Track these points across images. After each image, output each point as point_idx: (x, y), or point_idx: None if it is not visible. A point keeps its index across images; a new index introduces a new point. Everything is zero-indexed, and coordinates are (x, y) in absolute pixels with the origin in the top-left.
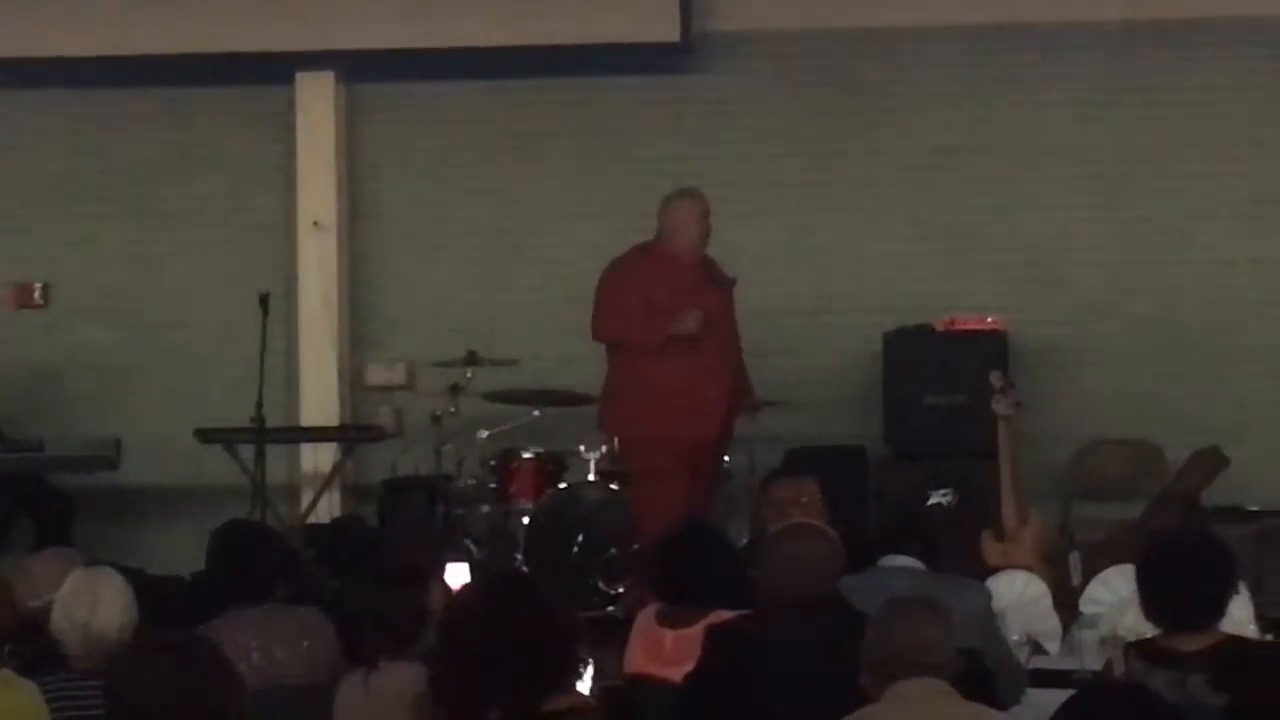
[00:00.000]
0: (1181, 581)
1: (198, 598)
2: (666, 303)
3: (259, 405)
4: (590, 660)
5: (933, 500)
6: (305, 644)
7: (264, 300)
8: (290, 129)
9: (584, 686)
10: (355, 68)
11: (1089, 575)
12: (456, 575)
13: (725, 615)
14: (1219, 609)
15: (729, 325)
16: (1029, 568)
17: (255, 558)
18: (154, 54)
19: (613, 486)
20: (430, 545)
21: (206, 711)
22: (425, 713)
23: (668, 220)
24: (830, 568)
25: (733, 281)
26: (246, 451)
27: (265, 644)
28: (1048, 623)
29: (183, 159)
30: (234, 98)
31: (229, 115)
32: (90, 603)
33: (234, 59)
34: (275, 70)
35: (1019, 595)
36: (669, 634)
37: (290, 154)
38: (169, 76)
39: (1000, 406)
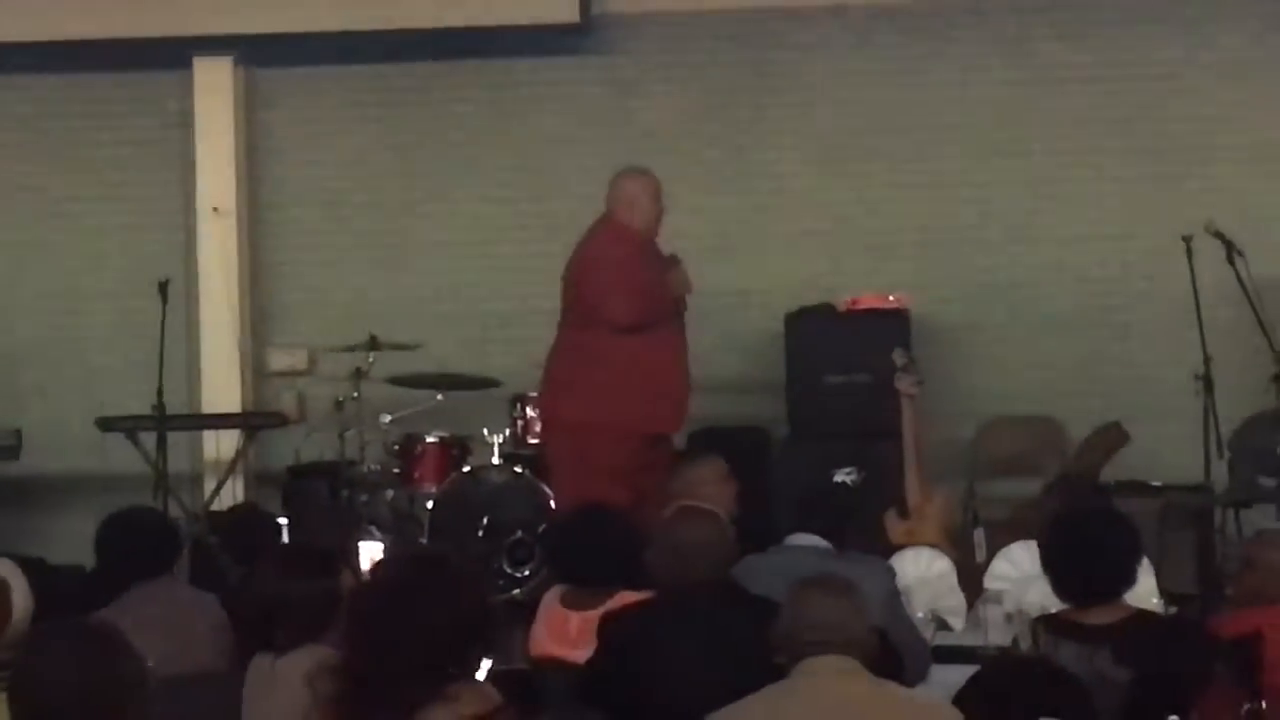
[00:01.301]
0: (1087, 557)
1: (97, 586)
2: (649, 274)
3: (159, 393)
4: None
5: (837, 479)
6: (197, 630)
7: (163, 287)
8: (189, 114)
9: (480, 675)
10: (253, 52)
11: (993, 551)
12: (370, 554)
13: (629, 596)
14: (1125, 582)
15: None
16: (933, 545)
17: (145, 541)
18: (51, 40)
19: (517, 470)
20: (339, 530)
21: (108, 697)
22: (319, 689)
23: (624, 196)
24: (720, 551)
25: (676, 260)
26: (149, 439)
27: (154, 630)
28: (952, 599)
29: (81, 146)
30: (132, 83)
31: (127, 101)
32: None
33: (131, 44)
34: (173, 55)
35: (923, 572)
36: (573, 616)
37: (189, 140)
38: (66, 63)
39: (903, 385)
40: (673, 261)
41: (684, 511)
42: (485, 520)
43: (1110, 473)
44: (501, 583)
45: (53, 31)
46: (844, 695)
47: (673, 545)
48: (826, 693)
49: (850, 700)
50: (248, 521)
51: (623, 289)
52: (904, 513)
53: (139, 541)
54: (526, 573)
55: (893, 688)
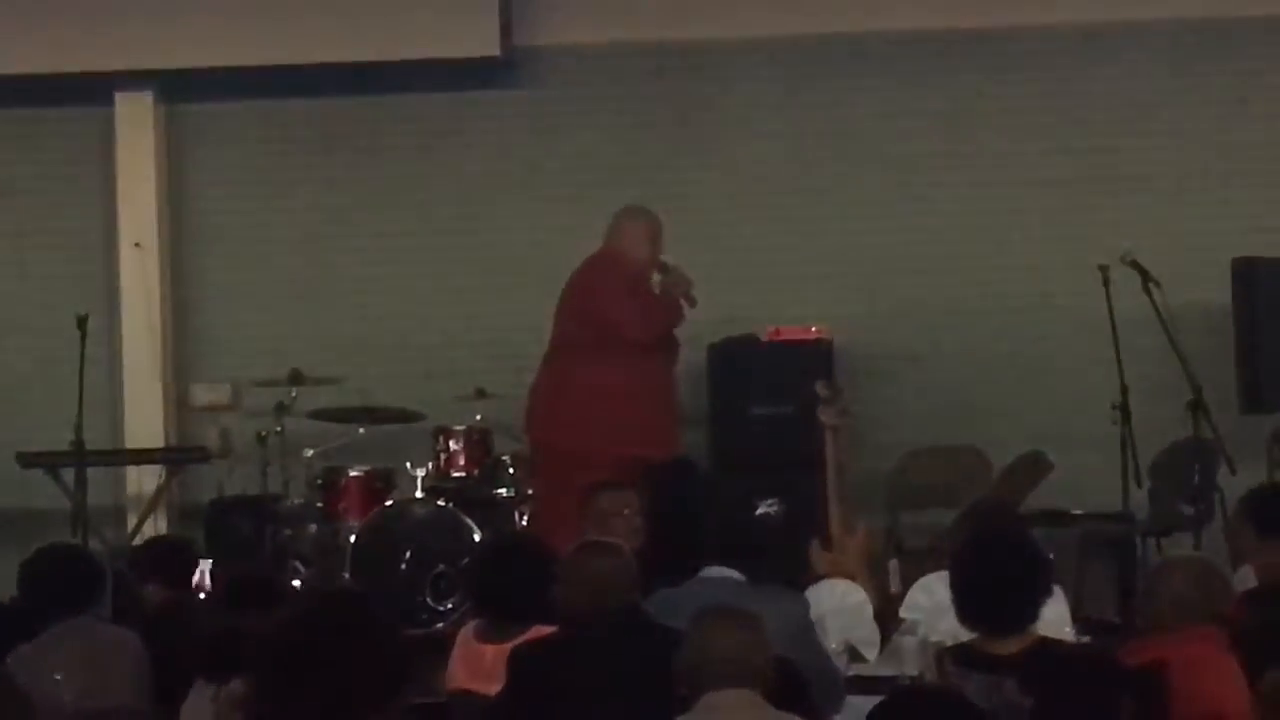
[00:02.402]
0: (993, 586)
1: (18, 621)
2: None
3: (78, 428)
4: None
5: (760, 510)
6: (117, 667)
7: (82, 322)
8: (110, 150)
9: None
10: (175, 87)
11: (912, 582)
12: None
13: (544, 631)
14: (1031, 613)
15: None
16: (855, 576)
17: (68, 577)
18: None
19: (440, 503)
20: (264, 564)
21: None
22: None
23: (623, 233)
24: (624, 582)
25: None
26: (69, 475)
27: (75, 666)
28: (865, 630)
29: (3, 180)
30: (53, 118)
31: (48, 136)
32: None
33: (52, 79)
34: (94, 91)
35: (838, 603)
36: (489, 649)
37: (110, 175)
38: None
39: (827, 416)
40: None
41: (588, 545)
42: (408, 553)
43: (1031, 501)
44: (425, 616)
45: None
46: None
47: (576, 579)
48: None
49: None
50: (171, 550)
51: (639, 306)
52: (828, 544)
53: (62, 577)
54: (449, 606)
55: None
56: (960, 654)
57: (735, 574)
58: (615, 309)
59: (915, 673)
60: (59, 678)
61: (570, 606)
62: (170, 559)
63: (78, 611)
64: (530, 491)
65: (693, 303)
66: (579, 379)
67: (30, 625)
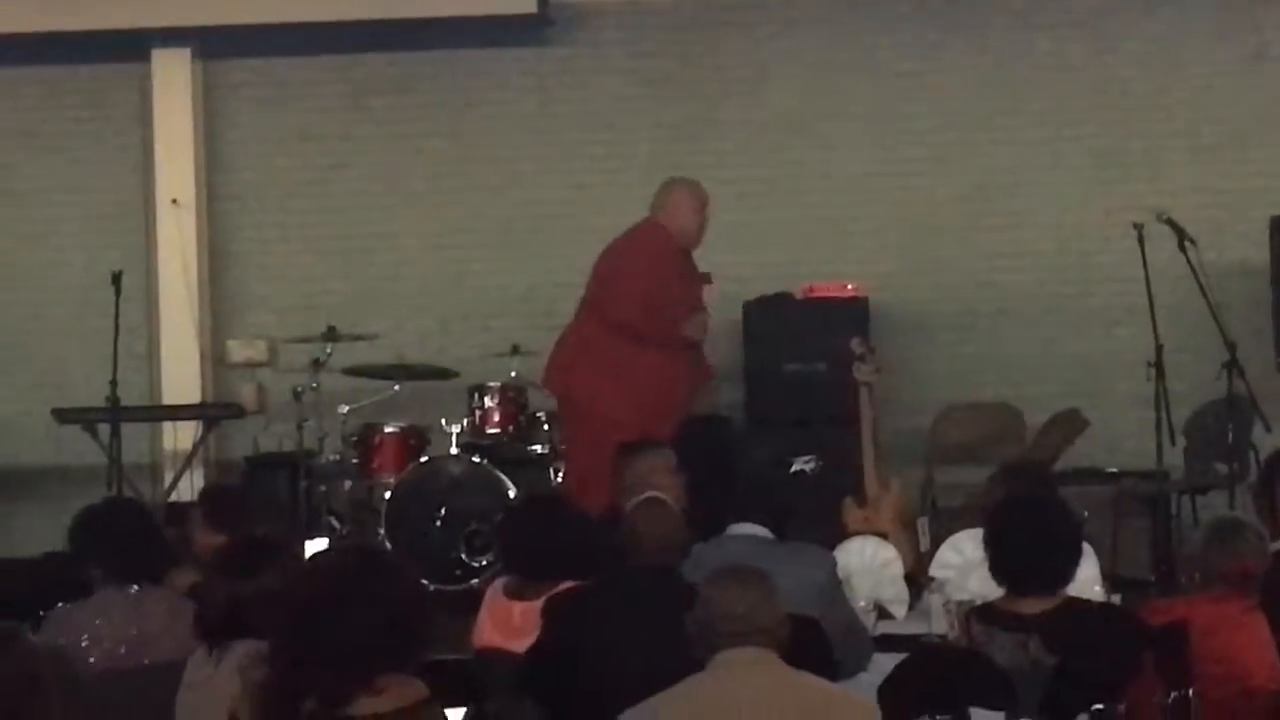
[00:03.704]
0: (1026, 546)
1: (52, 578)
2: (673, 291)
3: (114, 384)
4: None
5: (795, 468)
6: (180, 629)
7: (116, 279)
8: (147, 107)
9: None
10: (212, 44)
11: (944, 540)
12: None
13: (576, 586)
14: (1063, 574)
15: None
16: (889, 533)
17: (134, 540)
18: (9, 33)
19: (475, 460)
20: (292, 521)
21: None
22: (248, 680)
23: (669, 205)
24: (677, 541)
25: (707, 276)
26: (106, 431)
27: (127, 626)
28: (894, 588)
29: (39, 138)
30: (90, 75)
31: (85, 93)
32: None
33: (90, 37)
34: (132, 48)
35: (866, 561)
36: (517, 606)
37: (147, 132)
38: (24, 55)
39: (861, 373)
40: (705, 279)
41: (648, 503)
42: (443, 510)
43: (1066, 459)
44: (459, 572)
45: (10, 24)
46: (760, 687)
47: (636, 534)
48: (743, 685)
49: (766, 691)
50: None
51: (630, 297)
52: (861, 501)
53: (117, 532)
54: (484, 562)
55: (808, 679)
56: (986, 613)
57: (763, 531)
58: (612, 285)
59: (943, 631)
60: (87, 639)
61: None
62: (225, 506)
63: (132, 568)
64: (563, 445)
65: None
66: (607, 341)
67: (77, 579)
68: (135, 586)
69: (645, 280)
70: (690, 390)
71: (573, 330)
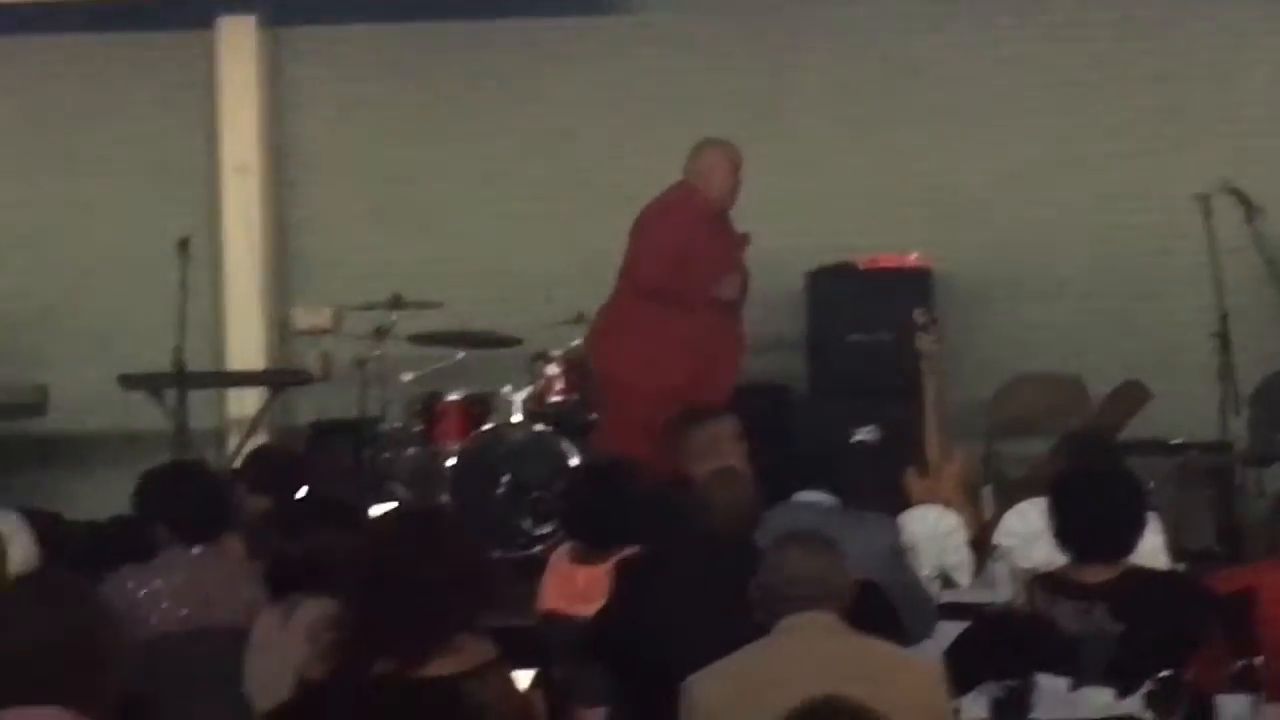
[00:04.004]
0: (1091, 514)
1: (116, 541)
2: (704, 253)
3: (179, 351)
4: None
5: (857, 438)
6: (244, 590)
7: (183, 245)
8: (212, 73)
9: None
10: (277, 10)
11: (1006, 509)
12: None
13: (647, 550)
14: (1128, 543)
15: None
16: (952, 503)
17: (198, 500)
18: (77, 1)
19: (538, 427)
20: (358, 487)
21: (70, 651)
22: (320, 641)
23: (701, 166)
24: (751, 508)
25: (747, 237)
26: (172, 397)
27: (188, 587)
28: (958, 556)
29: (105, 105)
30: (156, 42)
31: (151, 60)
32: None
33: (155, 3)
34: (197, 14)
35: (931, 529)
36: (581, 572)
37: (213, 99)
38: (90, 22)
39: (924, 343)
40: (744, 240)
41: (721, 472)
42: (506, 478)
43: (1129, 431)
44: (522, 540)
45: None
46: (824, 652)
47: (709, 504)
48: (807, 649)
49: (830, 657)
50: (277, 460)
51: (649, 254)
52: (924, 471)
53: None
54: (547, 530)
55: (874, 643)
56: (1051, 581)
57: (827, 498)
58: (640, 248)
59: (1006, 599)
60: (142, 593)
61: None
62: (277, 470)
63: (206, 533)
64: (596, 415)
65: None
66: (642, 311)
67: (141, 545)
68: (197, 548)
69: (671, 241)
70: (729, 355)
71: (610, 300)
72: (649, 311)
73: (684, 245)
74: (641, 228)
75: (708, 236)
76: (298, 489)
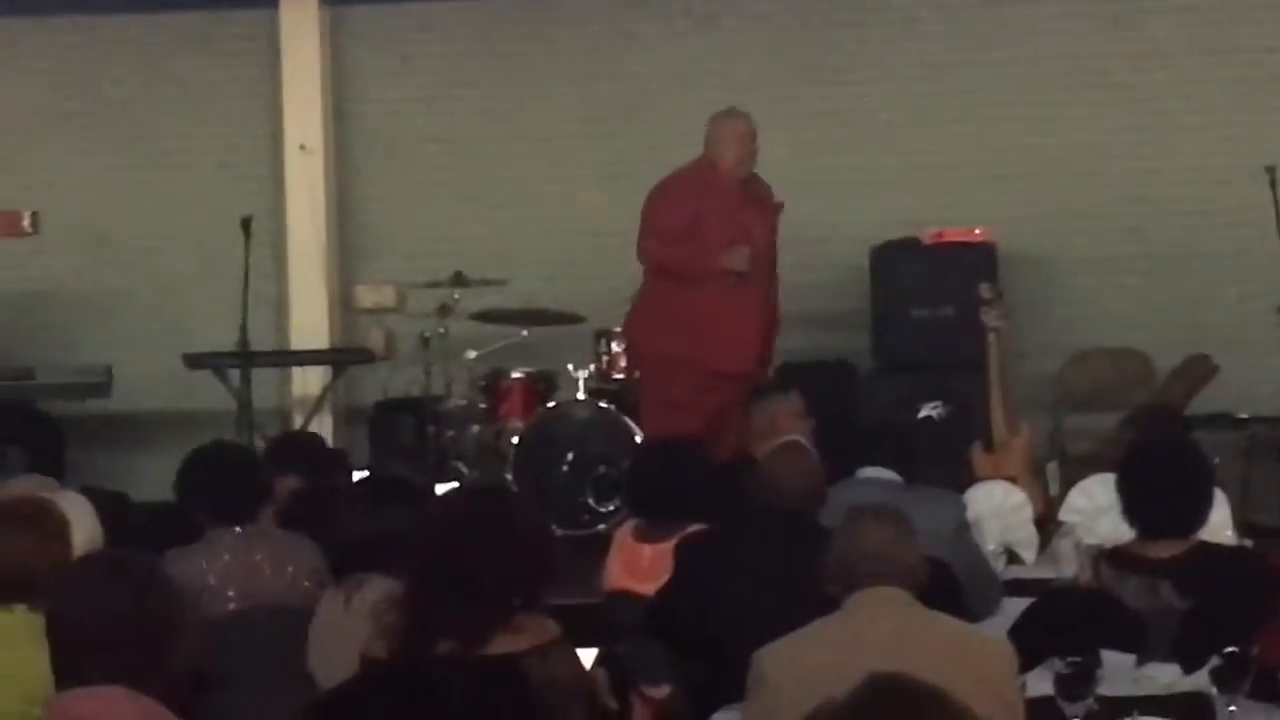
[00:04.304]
0: (1160, 488)
1: (179, 521)
2: (712, 225)
3: (243, 329)
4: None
5: (923, 413)
6: (289, 566)
7: (246, 224)
8: (275, 53)
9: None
10: None
11: (1073, 485)
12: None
13: (709, 528)
14: (1196, 518)
15: (769, 249)
16: (1018, 478)
17: (234, 479)
18: None
19: (602, 405)
20: (422, 465)
21: (139, 629)
22: (383, 621)
23: (712, 138)
24: (816, 485)
25: (779, 206)
26: (236, 376)
27: (249, 564)
28: (1024, 532)
29: (169, 85)
30: (219, 23)
31: (215, 40)
32: None
33: None
34: None
35: (997, 505)
36: (646, 549)
37: (276, 78)
38: (156, 2)
39: (989, 318)
40: (776, 209)
41: (786, 448)
42: (570, 455)
43: (1195, 405)
44: (586, 517)
45: None
46: (895, 627)
47: (775, 478)
48: (878, 624)
49: (902, 632)
50: (305, 442)
51: (651, 230)
52: (990, 446)
53: (226, 478)
54: (611, 507)
55: (944, 619)
56: (1117, 557)
57: (892, 475)
58: (643, 223)
59: (1072, 575)
60: (213, 581)
61: (763, 506)
62: (304, 451)
63: (244, 513)
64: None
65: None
66: (660, 286)
67: (190, 524)
68: (238, 528)
69: (669, 216)
70: (749, 324)
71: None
72: (663, 284)
73: (684, 220)
74: (646, 203)
75: (718, 209)
76: (326, 470)
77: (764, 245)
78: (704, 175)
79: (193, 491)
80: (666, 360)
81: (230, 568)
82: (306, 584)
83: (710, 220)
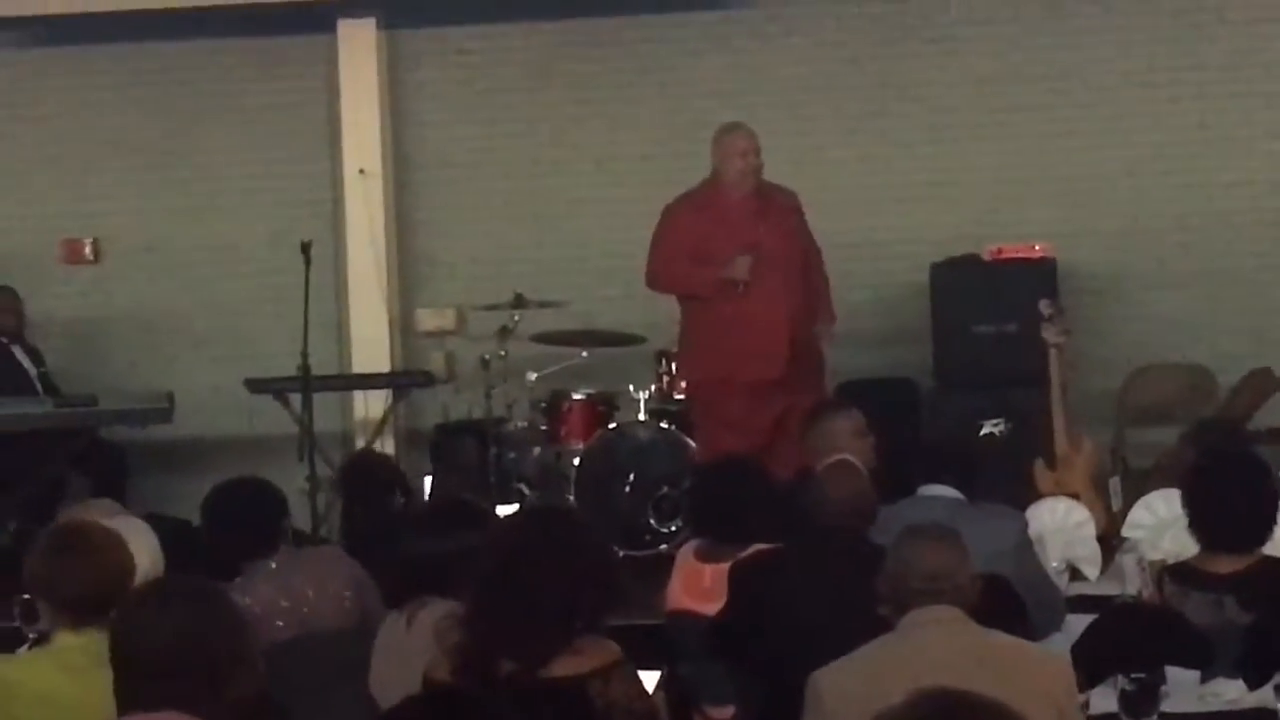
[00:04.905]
0: (1225, 503)
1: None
2: (719, 243)
3: (304, 354)
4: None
5: (985, 430)
6: (333, 589)
7: (305, 249)
8: (333, 77)
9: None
10: (396, 13)
11: (1135, 500)
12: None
13: (762, 549)
14: (1261, 532)
15: (790, 255)
16: (1081, 494)
17: (252, 515)
18: (198, 6)
19: (663, 425)
20: (483, 487)
21: (204, 653)
22: (445, 643)
23: (714, 155)
24: (866, 504)
25: (793, 198)
26: (297, 400)
27: (291, 590)
28: (1087, 548)
29: (228, 111)
30: (277, 47)
31: (272, 65)
32: None
33: (276, 8)
34: (317, 18)
35: (1059, 522)
36: (708, 569)
37: (334, 102)
38: (213, 28)
39: (1050, 334)
40: (789, 214)
41: (835, 466)
42: (631, 476)
43: (1258, 419)
44: (648, 538)
45: None
46: (951, 646)
47: (825, 497)
48: (933, 644)
49: (957, 650)
50: (363, 470)
51: (656, 255)
52: (1052, 463)
53: (247, 513)
54: (673, 528)
55: (1000, 637)
56: (1180, 572)
57: (953, 492)
58: (651, 248)
59: (1135, 591)
60: (286, 604)
61: (814, 524)
62: (374, 473)
63: (269, 545)
64: None
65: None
66: (684, 311)
67: (230, 557)
68: (272, 563)
69: (670, 238)
70: (771, 331)
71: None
72: (687, 306)
73: (692, 240)
74: (656, 227)
75: (726, 226)
76: (395, 492)
77: (781, 250)
78: (710, 194)
79: (218, 531)
80: (709, 380)
81: (273, 597)
82: (347, 597)
83: (718, 238)
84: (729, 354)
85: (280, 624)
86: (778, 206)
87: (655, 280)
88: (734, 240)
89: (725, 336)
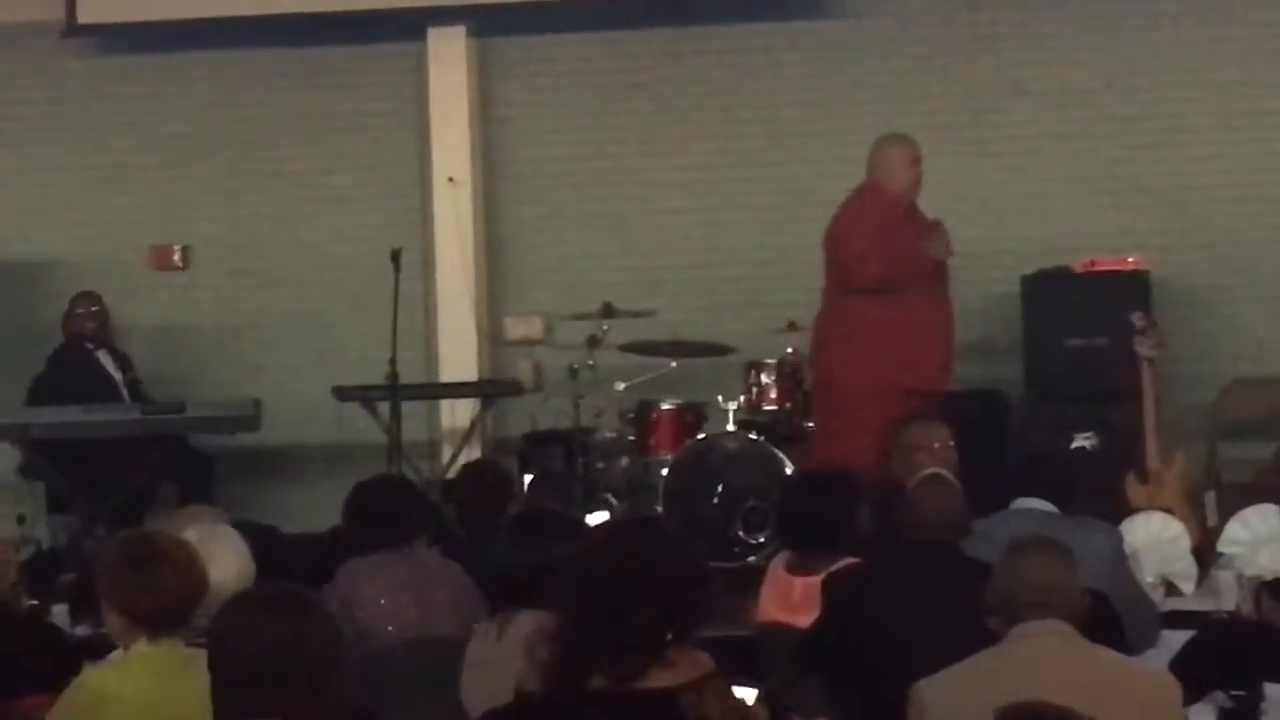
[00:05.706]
0: None
1: (333, 552)
2: (903, 239)
3: (393, 362)
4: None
5: (1076, 443)
6: (445, 595)
7: (395, 257)
8: (423, 85)
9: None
10: (486, 22)
11: (1230, 515)
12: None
13: (853, 562)
14: None
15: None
16: (1174, 509)
17: (395, 508)
18: (288, 14)
19: (752, 436)
20: (572, 496)
21: (299, 661)
22: (536, 655)
23: (880, 163)
24: (960, 516)
25: (938, 225)
26: (385, 408)
27: (399, 595)
28: (1182, 563)
29: (318, 118)
30: (367, 55)
31: (362, 73)
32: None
33: (366, 16)
34: (407, 26)
35: (1154, 536)
36: (797, 581)
37: (423, 111)
38: (303, 36)
39: (1143, 347)
40: (934, 226)
41: (930, 479)
42: (720, 487)
43: None
44: (736, 549)
45: (288, 5)
46: (1059, 660)
47: (916, 510)
48: (1042, 657)
49: (1065, 664)
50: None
51: (874, 253)
52: (1144, 477)
53: (387, 509)
54: (761, 539)
55: (1106, 653)
56: (1276, 588)
57: (1047, 505)
58: (855, 252)
59: (1232, 607)
60: (384, 603)
61: (903, 537)
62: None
63: (401, 539)
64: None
65: (949, 255)
66: (848, 313)
67: (350, 554)
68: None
69: (872, 234)
70: (938, 333)
71: (821, 311)
72: (854, 310)
73: (885, 236)
74: (845, 234)
75: (900, 228)
76: (505, 503)
77: (942, 261)
78: (873, 200)
79: (353, 517)
80: (863, 387)
81: (386, 594)
82: (456, 609)
83: (903, 237)
84: (902, 361)
85: (391, 628)
86: (922, 220)
87: (874, 275)
88: (910, 241)
89: (904, 341)
